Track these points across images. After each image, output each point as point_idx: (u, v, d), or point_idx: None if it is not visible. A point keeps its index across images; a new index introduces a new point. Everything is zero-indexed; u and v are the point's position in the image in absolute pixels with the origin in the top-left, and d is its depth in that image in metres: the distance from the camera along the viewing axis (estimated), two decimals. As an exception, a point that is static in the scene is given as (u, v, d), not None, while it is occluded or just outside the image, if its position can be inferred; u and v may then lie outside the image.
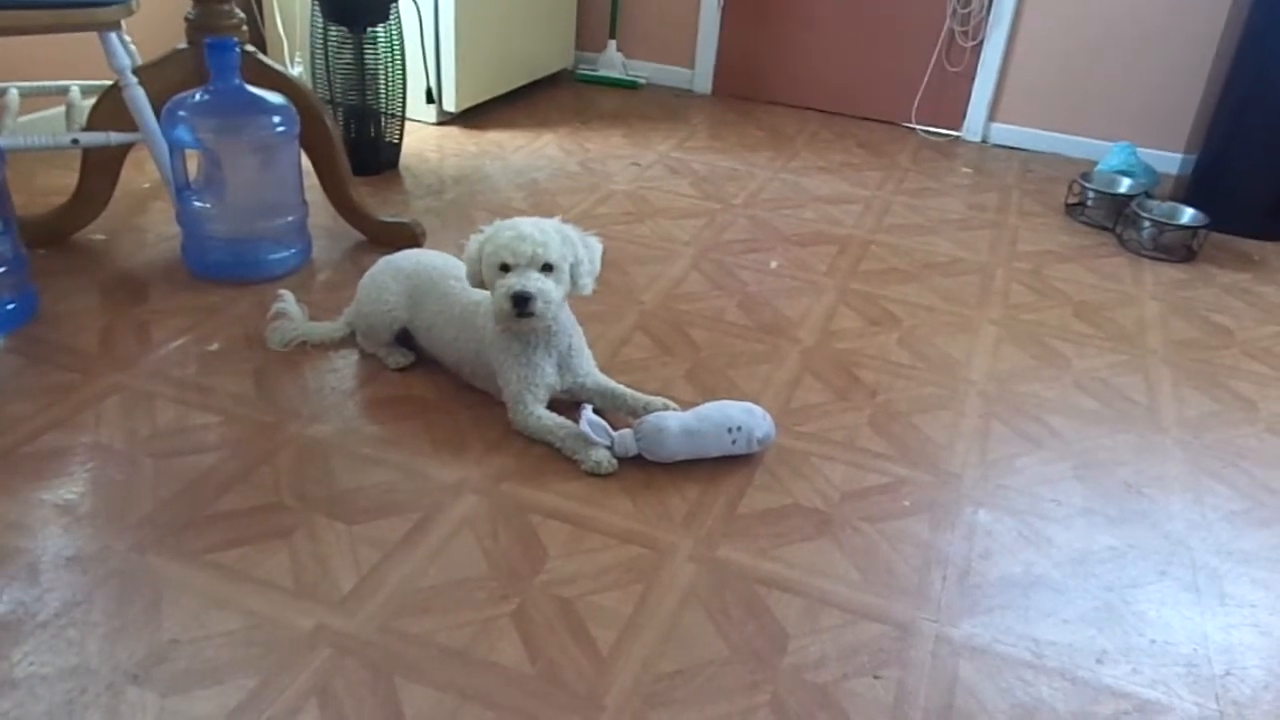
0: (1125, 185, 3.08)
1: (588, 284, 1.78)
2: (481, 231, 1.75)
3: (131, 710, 1.23)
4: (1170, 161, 3.45)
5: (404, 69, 2.99)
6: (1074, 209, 3.11)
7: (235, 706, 1.24)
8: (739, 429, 1.75)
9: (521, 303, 1.68)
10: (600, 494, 1.67)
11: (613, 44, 4.09)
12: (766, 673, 1.35)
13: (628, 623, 1.42)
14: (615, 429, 1.75)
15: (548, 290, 1.70)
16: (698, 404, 1.80)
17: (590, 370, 1.87)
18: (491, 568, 1.50)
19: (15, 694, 1.24)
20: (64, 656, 1.29)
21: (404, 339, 2.01)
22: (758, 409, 1.79)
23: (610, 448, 1.73)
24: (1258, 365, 2.28)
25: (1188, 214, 2.90)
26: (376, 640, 1.35)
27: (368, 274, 2.01)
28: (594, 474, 1.71)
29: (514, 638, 1.38)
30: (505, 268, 1.70)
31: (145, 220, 2.56)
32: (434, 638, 1.36)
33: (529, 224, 1.72)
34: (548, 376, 1.80)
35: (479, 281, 1.77)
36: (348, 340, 2.05)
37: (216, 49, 2.11)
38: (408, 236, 2.49)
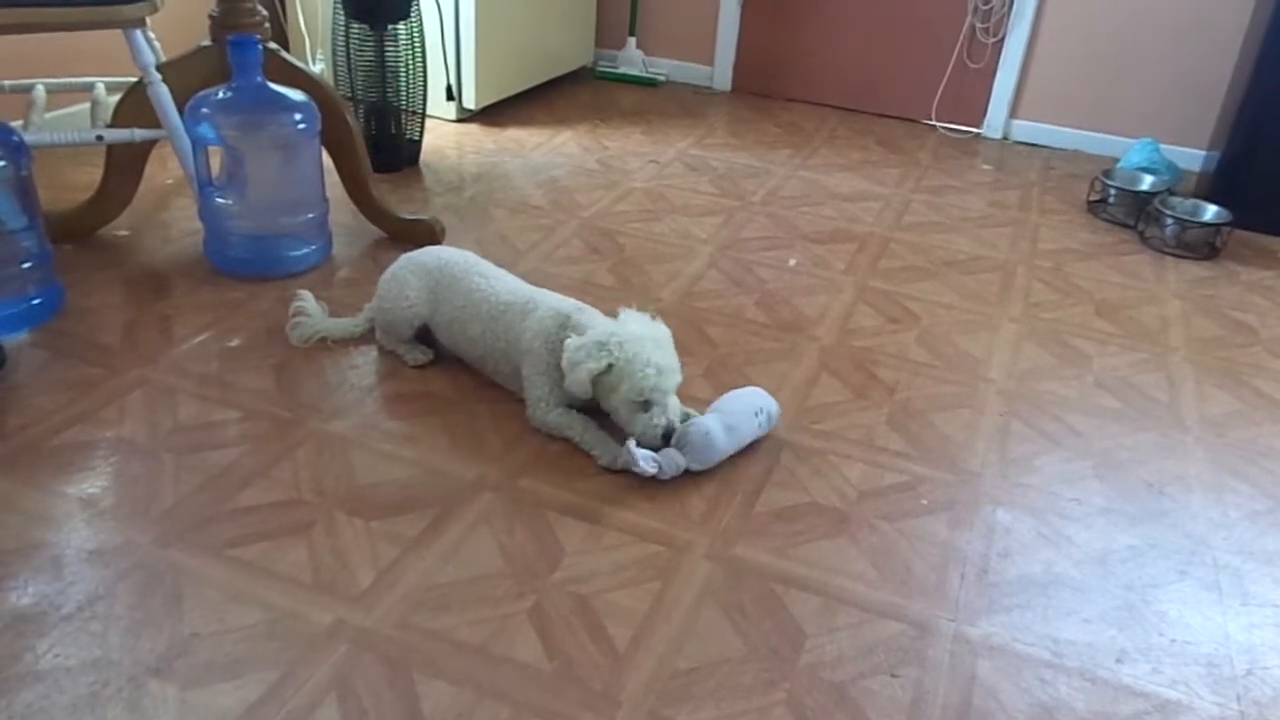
0: (1148, 182, 3.05)
1: None
2: (604, 350, 1.67)
3: (153, 703, 1.24)
4: (1193, 158, 3.42)
5: (424, 66, 3.00)
6: (1096, 206, 3.09)
7: (255, 700, 1.25)
8: (761, 410, 1.79)
9: (669, 436, 1.71)
10: (618, 491, 1.68)
11: (632, 41, 4.09)
12: (783, 671, 1.35)
13: (644, 620, 1.42)
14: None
15: (677, 411, 1.75)
16: (710, 402, 1.81)
17: None
18: (509, 564, 1.50)
19: (40, 686, 1.25)
20: (87, 649, 1.31)
21: (423, 336, 2.01)
22: (757, 388, 1.85)
23: (657, 474, 1.68)
24: (1282, 364, 2.26)
25: (1211, 211, 2.88)
26: (394, 636, 1.36)
27: (389, 270, 2.02)
28: (610, 469, 1.71)
29: (531, 634, 1.38)
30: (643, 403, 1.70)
31: (168, 216, 2.58)
32: (451, 634, 1.37)
33: (662, 353, 1.70)
34: (569, 393, 1.80)
35: (573, 390, 1.72)
36: (368, 336, 2.06)
37: (239, 46, 2.13)
38: (427, 233, 2.50)
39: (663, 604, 1.45)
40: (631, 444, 1.67)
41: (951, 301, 2.43)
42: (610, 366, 1.67)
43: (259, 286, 2.24)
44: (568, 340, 1.72)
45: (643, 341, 1.69)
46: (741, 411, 1.77)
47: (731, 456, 1.76)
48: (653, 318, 1.77)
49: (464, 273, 1.94)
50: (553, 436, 1.80)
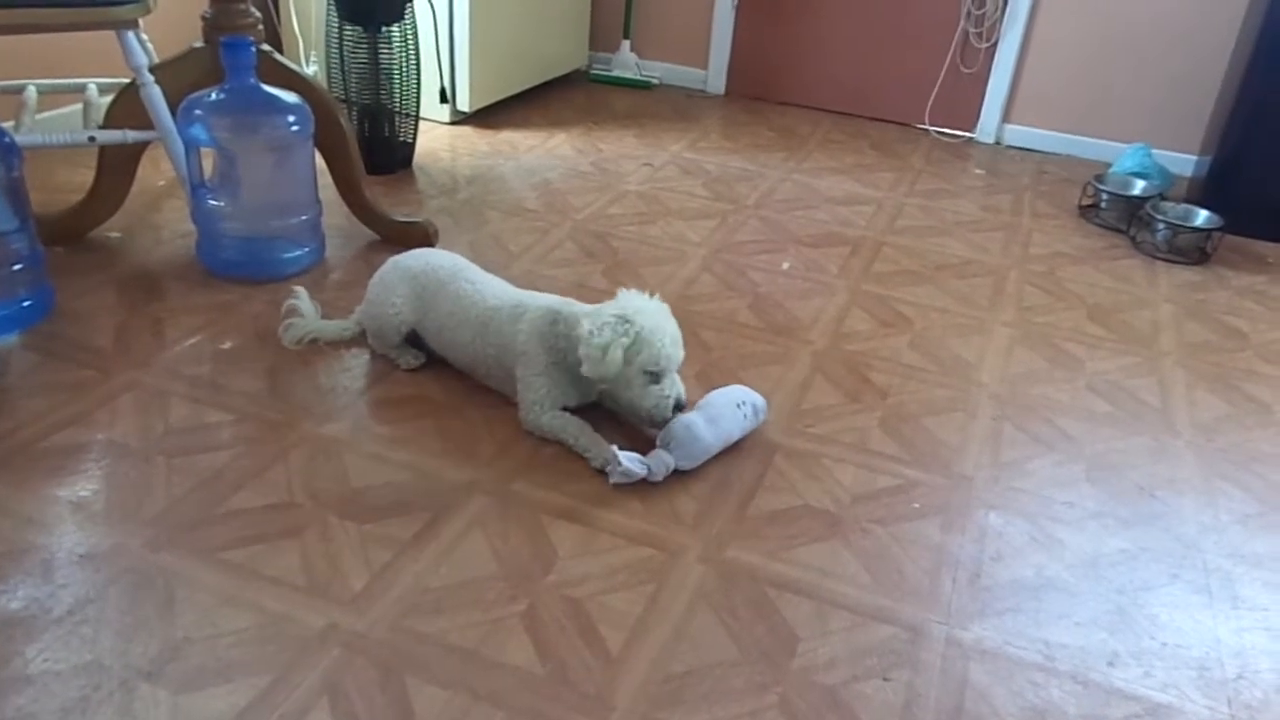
0: (1139, 187, 3.06)
1: None
2: (626, 323, 1.68)
3: (144, 707, 1.24)
4: (1185, 163, 3.43)
5: (418, 68, 2.99)
6: (1088, 211, 3.10)
7: (247, 705, 1.25)
8: (745, 403, 1.80)
9: (679, 407, 1.75)
10: (610, 495, 1.68)
11: (626, 44, 4.09)
12: (776, 674, 1.36)
13: (637, 623, 1.42)
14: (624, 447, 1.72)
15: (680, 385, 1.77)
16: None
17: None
18: (501, 568, 1.50)
19: (30, 690, 1.25)
20: (78, 653, 1.30)
21: (414, 339, 2.01)
22: (742, 385, 1.86)
23: (647, 476, 1.69)
24: (1272, 368, 2.27)
25: (1202, 216, 2.89)
26: (387, 639, 1.36)
27: (376, 275, 2.01)
28: (603, 471, 1.71)
29: (524, 638, 1.38)
30: (656, 374, 1.73)
31: (161, 218, 2.57)
32: (444, 637, 1.37)
33: (671, 323, 1.74)
34: (566, 393, 1.80)
35: (602, 372, 1.70)
36: (359, 338, 2.06)
37: (232, 48, 2.12)
38: (421, 236, 2.50)
39: (656, 607, 1.45)
40: (616, 449, 1.67)
41: (944, 305, 2.44)
42: (636, 337, 1.69)
43: (251, 289, 2.23)
44: (581, 326, 1.70)
45: (654, 313, 1.73)
46: (723, 405, 1.78)
47: (723, 459, 1.76)
48: (651, 296, 1.78)
49: (451, 277, 1.93)
50: (546, 439, 1.79)
